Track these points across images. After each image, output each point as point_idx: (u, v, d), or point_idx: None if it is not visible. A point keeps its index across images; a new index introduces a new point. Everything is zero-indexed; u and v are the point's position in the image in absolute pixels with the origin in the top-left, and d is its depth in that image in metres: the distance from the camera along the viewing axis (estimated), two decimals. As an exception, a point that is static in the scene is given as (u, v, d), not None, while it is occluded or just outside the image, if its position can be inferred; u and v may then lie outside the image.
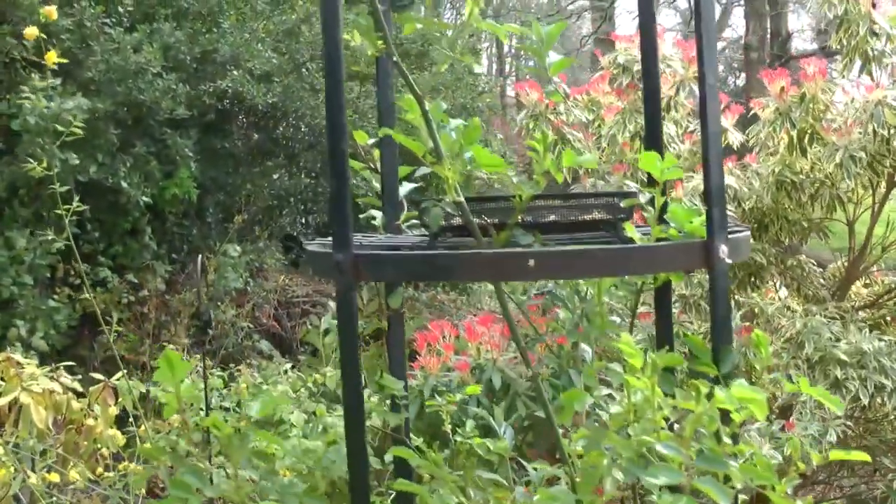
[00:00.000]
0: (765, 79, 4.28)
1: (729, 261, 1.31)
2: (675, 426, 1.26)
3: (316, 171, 10.11)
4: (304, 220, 10.31)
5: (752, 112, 4.42)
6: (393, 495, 2.13)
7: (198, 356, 4.87)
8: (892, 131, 3.80)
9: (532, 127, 4.56)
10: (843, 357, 3.84)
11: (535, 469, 1.94)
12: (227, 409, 4.18)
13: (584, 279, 1.68)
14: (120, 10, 8.05)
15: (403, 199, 1.76)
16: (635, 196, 1.49)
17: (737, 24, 26.10)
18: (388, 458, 1.88)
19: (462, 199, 1.38)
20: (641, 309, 2.74)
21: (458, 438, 1.89)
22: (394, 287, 1.75)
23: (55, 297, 7.17)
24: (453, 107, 11.14)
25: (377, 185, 2.06)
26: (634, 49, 4.48)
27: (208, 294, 7.91)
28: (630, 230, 1.41)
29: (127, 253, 8.03)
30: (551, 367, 3.35)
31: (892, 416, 4.23)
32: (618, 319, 2.89)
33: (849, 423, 3.94)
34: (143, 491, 4.08)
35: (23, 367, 4.01)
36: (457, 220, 1.44)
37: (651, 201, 1.45)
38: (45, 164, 3.73)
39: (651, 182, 1.45)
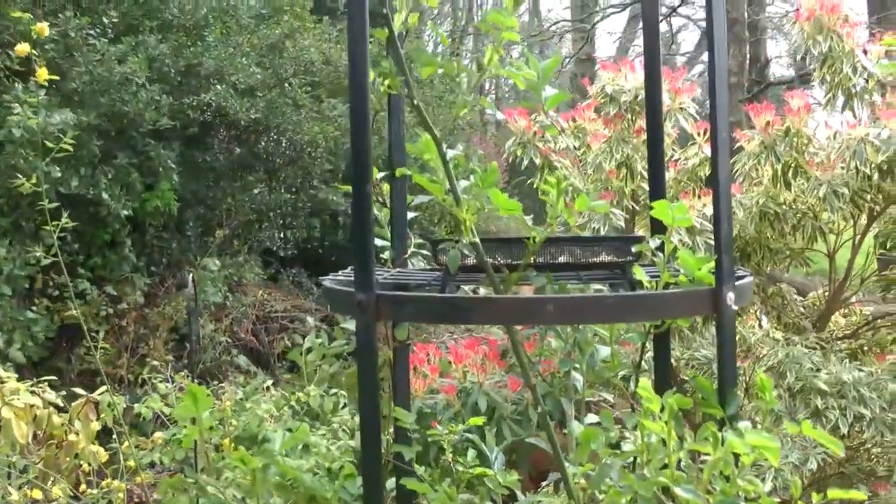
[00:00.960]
0: (751, 112, 4.35)
1: (735, 307, 1.36)
2: (682, 464, 1.30)
3: (296, 185, 10.14)
4: (282, 235, 10.30)
5: (737, 144, 4.49)
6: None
7: (182, 373, 4.87)
8: (873, 168, 3.88)
9: (520, 154, 4.62)
10: (824, 387, 3.91)
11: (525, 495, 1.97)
12: (210, 428, 4.18)
13: (599, 324, 1.71)
14: (105, 21, 8.03)
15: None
16: (644, 241, 1.53)
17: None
18: (388, 484, 1.91)
19: (477, 239, 1.42)
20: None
21: (460, 468, 1.91)
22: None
23: (34, 308, 7.14)
24: (435, 123, 11.20)
25: (379, 214, 2.09)
26: (621, 79, 4.55)
27: (188, 308, 7.89)
28: (639, 273, 1.46)
29: (106, 265, 7.99)
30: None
31: (870, 445, 4.29)
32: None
33: (828, 451, 4.00)
34: (126, 508, 4.07)
35: (3, 382, 3.99)
36: (470, 259, 1.48)
37: (661, 247, 1.50)
38: (34, 180, 3.73)
39: (661, 228, 1.49)
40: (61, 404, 4.22)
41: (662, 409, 1.18)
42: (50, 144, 3.85)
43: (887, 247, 4.58)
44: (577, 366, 2.50)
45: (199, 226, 9.10)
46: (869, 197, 4.10)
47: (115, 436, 4.14)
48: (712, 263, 1.38)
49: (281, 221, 10.19)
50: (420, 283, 1.65)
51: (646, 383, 1.20)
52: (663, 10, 22.29)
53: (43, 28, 3.65)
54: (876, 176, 3.91)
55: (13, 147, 6.72)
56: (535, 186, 4.55)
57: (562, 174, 4.48)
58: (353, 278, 1.38)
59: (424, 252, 2.20)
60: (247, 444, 4.31)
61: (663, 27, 25.31)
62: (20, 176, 3.78)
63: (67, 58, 7.57)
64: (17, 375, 4.15)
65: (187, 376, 4.82)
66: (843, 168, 4.03)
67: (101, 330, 7.47)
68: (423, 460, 2.51)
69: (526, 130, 4.60)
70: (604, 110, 4.56)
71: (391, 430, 1.90)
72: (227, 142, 9.50)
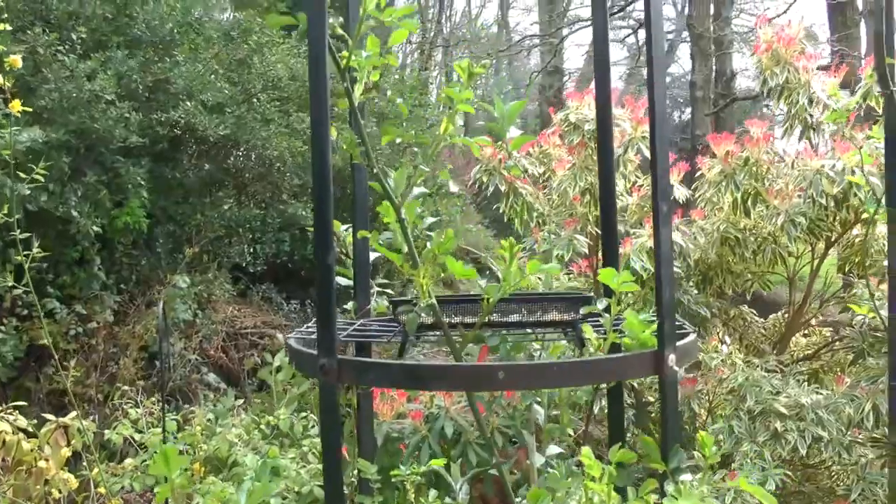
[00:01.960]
0: (711, 142, 4.45)
1: (677, 368, 1.43)
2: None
3: (266, 201, 10.15)
4: (252, 250, 10.28)
5: (699, 172, 4.59)
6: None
7: (152, 399, 4.89)
8: (829, 199, 3.99)
9: (486, 180, 4.69)
10: (783, 410, 4.00)
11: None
12: (180, 452, 4.20)
13: (549, 388, 1.78)
14: (74, 37, 8.00)
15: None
16: (592, 302, 1.60)
17: (683, 57, 26.62)
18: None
19: (434, 301, 1.48)
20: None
21: (423, 508, 1.97)
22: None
23: (2, 328, 7.11)
24: (403, 139, 11.25)
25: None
26: (585, 108, 4.63)
27: (158, 327, 7.89)
28: (588, 332, 1.53)
29: (75, 283, 7.96)
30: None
31: (829, 464, 4.39)
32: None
33: (788, 471, 4.09)
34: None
35: (-28, 406, 4.00)
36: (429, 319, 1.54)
37: (608, 308, 1.57)
38: (6, 210, 3.77)
39: (608, 292, 1.56)
40: (30, 429, 4.23)
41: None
42: (30, 170, 3.87)
43: (846, 270, 4.69)
44: (539, 399, 2.57)
45: (169, 242, 9.08)
46: (825, 226, 4.21)
47: (85, 462, 4.16)
48: (654, 326, 1.45)
49: (251, 236, 10.19)
50: (382, 332, 1.71)
51: (588, 452, 1.26)
52: (632, 22, 22.53)
53: (16, 60, 3.68)
54: (832, 205, 4.01)
55: (-21, 165, 6.68)
56: (501, 211, 4.62)
57: (528, 201, 4.56)
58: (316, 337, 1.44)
59: (389, 291, 2.26)
60: (217, 468, 4.35)
61: (632, 40, 25.49)
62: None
63: (36, 74, 7.55)
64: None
65: (157, 401, 4.84)
66: (800, 197, 4.13)
67: (70, 349, 7.49)
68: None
69: (492, 158, 4.68)
70: (568, 138, 4.64)
71: (356, 472, 1.96)
72: (197, 158, 9.49)
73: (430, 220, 1.71)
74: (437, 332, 1.56)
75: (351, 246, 1.86)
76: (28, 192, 6.88)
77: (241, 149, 9.53)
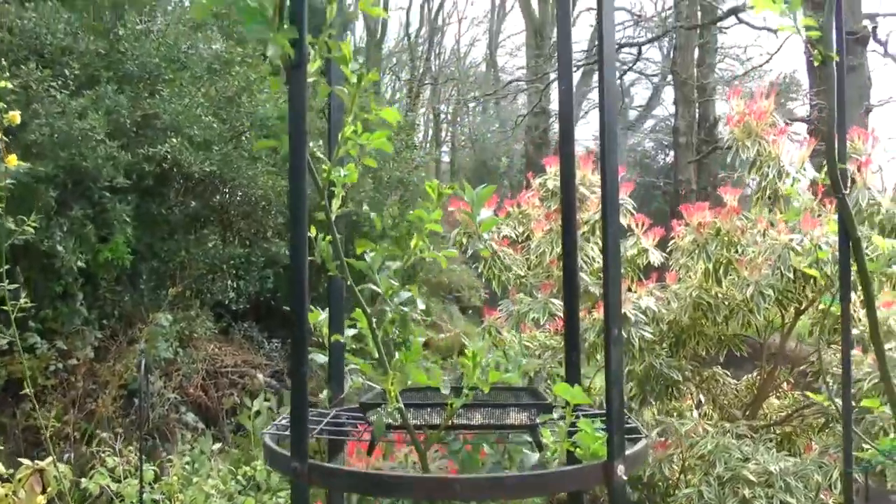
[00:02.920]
0: (684, 212, 4.56)
1: (625, 477, 1.51)
2: None
3: (250, 238, 10.21)
4: (235, 285, 10.30)
5: (672, 241, 4.70)
6: None
7: (129, 448, 4.93)
8: (798, 273, 4.11)
9: (465, 242, 4.79)
10: (751, 477, 4.08)
11: None
12: (155, 502, 4.26)
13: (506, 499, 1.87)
14: (66, 72, 8.06)
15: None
16: (551, 410, 1.70)
17: (667, 99, 26.84)
18: None
19: (402, 405, 1.57)
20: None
21: None
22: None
23: (-20, 365, 7.11)
24: (390, 179, 11.37)
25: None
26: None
27: (137, 364, 7.92)
28: (546, 435, 1.62)
29: (57, 317, 7.96)
30: None
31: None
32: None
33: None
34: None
35: (-52, 449, 4.03)
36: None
37: (563, 417, 1.66)
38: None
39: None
40: (5, 473, 4.25)
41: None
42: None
43: (817, 335, 4.80)
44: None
45: (153, 279, 9.11)
46: (794, 297, 4.33)
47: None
48: (606, 438, 1.54)
49: (234, 272, 10.22)
50: (354, 425, 1.79)
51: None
52: (617, 65, 22.74)
53: (15, 117, 3.77)
54: (800, 277, 4.13)
55: (-35, 200, 6.71)
56: (479, 273, 4.72)
57: (506, 263, 4.66)
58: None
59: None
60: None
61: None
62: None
63: (27, 108, 7.60)
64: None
65: (135, 448, 4.88)
66: (769, 268, 4.25)
67: (49, 385, 7.49)
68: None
69: (468, 225, 4.77)
70: (546, 203, 4.75)
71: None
72: (183, 194, 9.55)
73: (405, 294, 1.79)
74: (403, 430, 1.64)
75: (327, 336, 1.95)
76: (13, 226, 6.92)
77: (228, 186, 9.59)
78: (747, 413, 4.90)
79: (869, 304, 2.22)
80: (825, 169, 2.92)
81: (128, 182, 8.03)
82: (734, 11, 14.62)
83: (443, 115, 26.96)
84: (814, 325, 4.67)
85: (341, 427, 1.77)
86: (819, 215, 4.20)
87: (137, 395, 7.91)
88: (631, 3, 22.40)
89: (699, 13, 16.72)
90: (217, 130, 9.07)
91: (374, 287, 1.72)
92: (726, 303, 4.54)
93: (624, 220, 4.67)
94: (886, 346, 4.19)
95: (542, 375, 4.65)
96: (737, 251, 4.43)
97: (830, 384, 4.37)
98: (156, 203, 9.06)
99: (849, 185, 4.08)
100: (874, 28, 13.02)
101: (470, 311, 16.53)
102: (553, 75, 17.36)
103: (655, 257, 4.83)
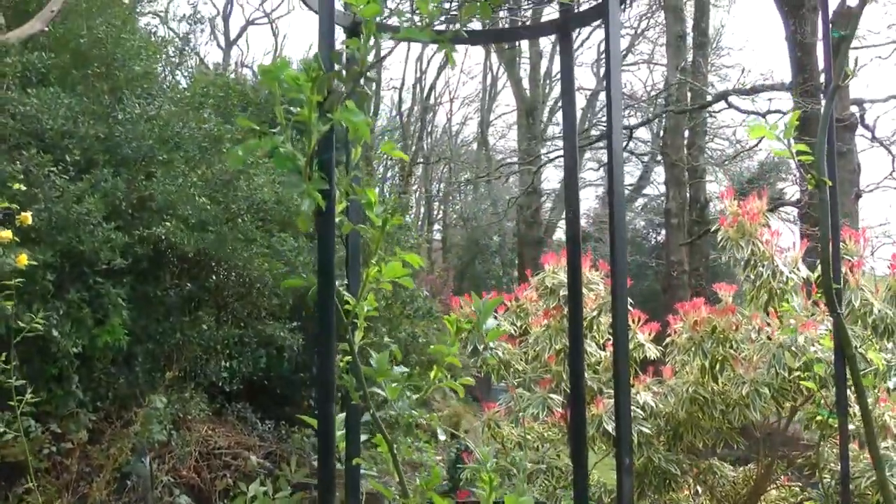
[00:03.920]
0: (680, 310, 4.65)
1: None
2: None
3: (244, 319, 10.22)
4: (227, 365, 10.27)
5: (668, 339, 4.77)
6: None
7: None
8: (793, 372, 4.18)
9: (465, 337, 4.85)
10: (749, 573, 4.10)
11: None
12: None
13: None
14: (67, 158, 8.15)
15: None
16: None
17: (657, 178, 27.12)
18: None
19: (421, 533, 1.63)
20: None
21: None
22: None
23: (-26, 448, 7.08)
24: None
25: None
26: (561, 272, 4.83)
27: (131, 447, 7.90)
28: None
29: (51, 400, 7.94)
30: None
31: None
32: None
33: None
34: None
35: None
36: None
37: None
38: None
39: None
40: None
41: None
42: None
43: (811, 427, 4.85)
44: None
45: (148, 361, 9.11)
46: (789, 395, 4.39)
47: None
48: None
49: (228, 352, 10.22)
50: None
51: None
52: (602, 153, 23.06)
53: (26, 217, 3.87)
54: (795, 376, 4.20)
55: (-33, 287, 6.75)
56: (479, 366, 4.77)
57: (504, 358, 4.73)
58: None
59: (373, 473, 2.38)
60: None
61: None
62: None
63: (28, 194, 7.66)
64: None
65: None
66: (765, 366, 4.32)
67: (42, 468, 7.45)
68: None
69: (471, 317, 4.83)
70: (544, 300, 4.83)
71: None
72: (178, 276, 9.59)
73: (414, 396, 1.86)
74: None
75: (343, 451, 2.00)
76: (11, 311, 6.95)
77: (222, 268, 9.63)
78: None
79: (866, 420, 2.28)
80: (818, 269, 3.01)
81: (124, 263, 8.08)
82: (723, 96, 14.94)
83: (435, 194, 27.23)
84: (810, 420, 4.72)
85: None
86: (812, 315, 4.30)
87: (131, 479, 7.89)
88: (621, 83, 22.71)
89: (689, 95, 17.04)
90: (212, 212, 9.14)
91: (380, 391, 1.79)
92: (722, 398, 4.60)
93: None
94: (882, 445, 4.26)
95: (542, 468, 4.69)
96: (732, 347, 4.51)
97: (828, 480, 4.42)
98: (151, 285, 9.09)
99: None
100: (862, 115, 13.29)
101: (471, 399, 16.51)
102: (544, 157, 17.66)
103: (651, 352, 4.90)
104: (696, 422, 4.75)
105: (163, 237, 8.52)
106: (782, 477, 5.30)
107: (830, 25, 2.62)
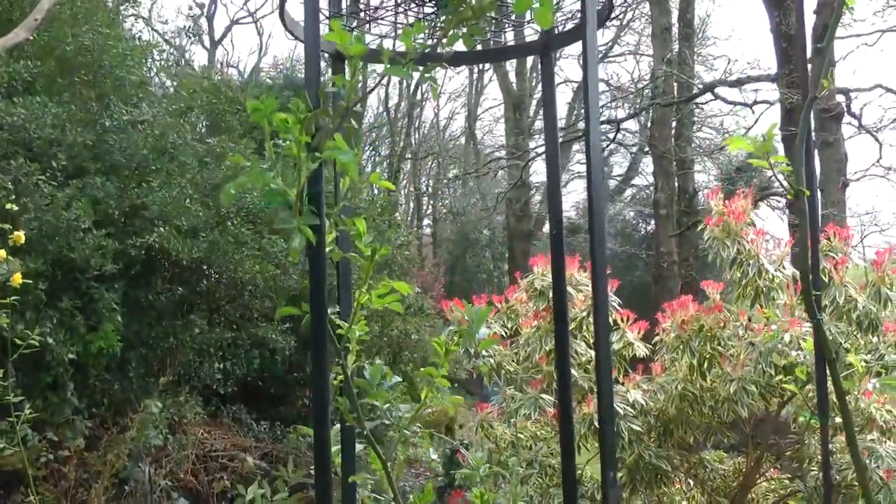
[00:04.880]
0: (667, 309, 4.71)
1: None
2: None
3: (237, 322, 10.27)
4: (221, 367, 10.30)
5: (657, 337, 4.84)
6: None
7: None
8: (778, 370, 4.25)
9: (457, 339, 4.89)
10: (740, 567, 4.17)
11: None
12: None
13: None
14: (54, 164, 8.15)
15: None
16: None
17: (646, 169, 27.16)
18: None
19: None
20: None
21: None
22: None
23: (-28, 457, 7.12)
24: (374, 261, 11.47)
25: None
26: (549, 275, 4.88)
27: (128, 453, 7.95)
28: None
29: (47, 408, 7.97)
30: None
31: None
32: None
33: None
34: None
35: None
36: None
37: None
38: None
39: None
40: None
41: None
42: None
43: (799, 421, 4.92)
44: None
45: (142, 366, 9.15)
46: (777, 391, 4.46)
47: None
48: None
49: (221, 354, 10.26)
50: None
51: None
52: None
53: (19, 236, 3.91)
54: (781, 374, 4.28)
55: (-41, 298, 6.76)
56: (471, 368, 4.83)
57: (496, 360, 4.79)
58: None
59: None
60: None
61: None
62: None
63: (16, 202, 7.66)
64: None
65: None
66: (752, 364, 4.39)
67: (40, 475, 7.48)
68: None
69: (462, 322, 4.88)
70: (534, 302, 4.89)
71: None
72: (170, 281, 9.63)
73: (404, 407, 1.92)
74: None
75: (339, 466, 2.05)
76: (7, 325, 6.98)
77: (214, 271, 9.67)
78: (736, 499, 4.99)
79: (847, 422, 2.34)
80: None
81: (115, 268, 8.11)
82: (710, 87, 15.02)
83: (424, 189, 27.29)
84: (796, 415, 4.80)
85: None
86: (796, 313, 4.36)
87: (129, 484, 7.94)
88: (607, 74, 22.87)
89: (675, 87, 17.11)
90: (203, 218, 9.18)
91: (374, 402, 1.84)
92: (711, 394, 4.67)
93: (610, 318, 4.81)
94: (868, 437, 4.33)
95: (535, 467, 4.75)
96: (720, 344, 4.58)
97: (815, 472, 4.49)
98: (143, 290, 9.13)
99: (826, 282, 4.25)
100: (848, 104, 13.38)
101: (455, 384, 16.59)
102: (532, 151, 17.73)
103: (641, 350, 4.96)
104: (686, 417, 4.82)
105: (156, 244, 8.55)
106: (772, 469, 5.37)
107: (818, 46, 2.68)
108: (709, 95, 15.56)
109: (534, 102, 23.77)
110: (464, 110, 28.99)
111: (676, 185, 17.27)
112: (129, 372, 8.98)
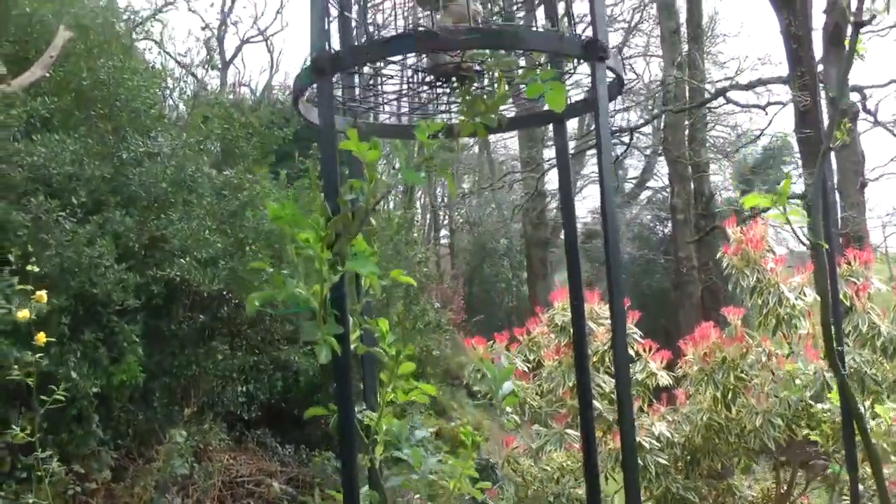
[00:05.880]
0: (690, 341, 4.70)
1: None
2: None
3: (258, 346, 10.28)
4: (244, 389, 10.31)
5: (680, 370, 4.82)
6: None
7: None
8: (804, 402, 4.23)
9: (479, 377, 4.92)
10: None
11: None
12: None
13: None
14: (74, 200, 8.19)
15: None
16: None
17: (661, 170, 27.04)
18: None
19: None
20: None
21: None
22: None
23: (1, 494, 7.14)
24: (394, 282, 11.47)
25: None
26: (570, 309, 4.88)
27: (156, 484, 7.98)
28: None
29: (73, 440, 8.00)
30: None
31: None
32: None
33: None
34: None
35: None
36: None
37: None
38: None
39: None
40: None
41: None
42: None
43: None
44: None
45: (165, 396, 9.18)
46: (804, 423, 4.45)
47: None
48: None
49: (244, 377, 10.27)
50: None
51: None
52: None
53: (42, 296, 3.96)
54: (807, 405, 4.26)
55: (-17, 337, 6.80)
56: (491, 402, 4.83)
57: (520, 396, 4.78)
58: None
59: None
60: None
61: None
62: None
63: (37, 240, 7.70)
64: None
65: None
66: (776, 400, 4.38)
67: (68, 510, 7.51)
68: None
69: (484, 359, 4.91)
70: (557, 338, 4.89)
71: None
72: (191, 309, 9.65)
73: (432, 461, 1.94)
74: None
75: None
76: (30, 357, 7.02)
77: (235, 297, 9.68)
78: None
79: (876, 473, 2.33)
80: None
81: (138, 303, 8.15)
82: (722, 92, 14.97)
83: (440, 200, 27.27)
84: (825, 440, 4.76)
85: None
86: (819, 343, 4.34)
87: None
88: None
89: (687, 90, 17.06)
90: (222, 246, 9.20)
91: (404, 456, 1.85)
92: (737, 422, 4.65)
93: (632, 350, 4.81)
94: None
95: (563, 501, 4.75)
96: (743, 373, 4.56)
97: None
98: (164, 320, 9.16)
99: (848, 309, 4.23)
100: (863, 102, 13.29)
101: (479, 396, 16.60)
102: (546, 162, 17.71)
103: (664, 379, 4.96)
104: (713, 446, 4.81)
105: (176, 277, 8.57)
106: (801, 497, 5.35)
107: (831, 96, 2.67)
108: (721, 100, 15.51)
109: (545, 111, 23.60)
110: (477, 119, 28.77)
111: (692, 188, 17.20)
112: (153, 402, 9.01)
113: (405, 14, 2.22)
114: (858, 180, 12.06)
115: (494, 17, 2.46)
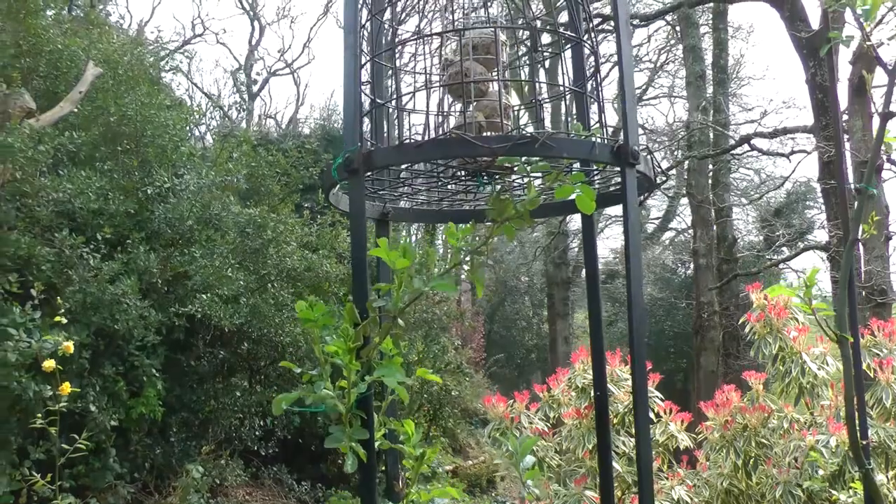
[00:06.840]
0: (710, 407, 4.68)
1: None
2: None
3: (277, 382, 10.30)
4: (262, 423, 10.32)
5: (701, 436, 4.80)
6: None
7: None
8: (826, 475, 4.20)
9: (500, 437, 4.91)
10: None
11: None
12: None
13: None
14: (98, 236, 8.25)
15: None
16: None
17: (683, 211, 26.95)
18: None
19: None
20: None
21: None
22: None
23: (17, 526, 7.16)
24: (415, 318, 11.52)
25: None
26: (590, 371, 4.87)
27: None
28: None
29: (89, 473, 8.02)
30: None
31: None
32: None
33: None
34: None
35: None
36: None
37: None
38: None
39: None
40: None
41: None
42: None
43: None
44: None
45: (183, 430, 9.22)
46: (826, 495, 4.40)
47: None
48: None
49: (262, 412, 10.29)
50: None
51: None
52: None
53: (69, 346, 3.99)
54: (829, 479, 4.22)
55: (6, 370, 6.84)
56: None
57: (539, 456, 4.77)
58: None
59: None
60: None
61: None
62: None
63: (62, 276, 7.77)
64: None
65: None
66: (797, 472, 4.35)
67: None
68: None
69: (504, 418, 4.92)
70: (576, 401, 4.89)
71: None
72: (211, 345, 9.70)
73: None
74: None
75: None
76: (50, 392, 7.06)
77: (255, 333, 9.71)
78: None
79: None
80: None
81: (158, 339, 8.20)
82: (746, 139, 14.95)
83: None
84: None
85: None
86: (841, 413, 4.31)
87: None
88: (642, 118, 22.87)
89: (711, 135, 17.08)
90: (244, 283, 9.26)
91: None
92: (758, 489, 4.61)
93: (652, 413, 4.79)
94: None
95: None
96: (764, 440, 4.54)
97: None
98: (185, 355, 9.22)
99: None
100: (888, 154, 13.19)
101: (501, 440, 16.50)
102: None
103: (684, 441, 4.94)
104: (733, 511, 4.78)
105: (198, 313, 8.61)
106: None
107: (855, 188, 2.68)
108: (745, 146, 15.50)
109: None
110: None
111: (715, 232, 17.16)
112: (171, 436, 9.05)
113: (439, 98, 2.25)
114: (884, 234, 11.98)
115: (524, 114, 2.50)
